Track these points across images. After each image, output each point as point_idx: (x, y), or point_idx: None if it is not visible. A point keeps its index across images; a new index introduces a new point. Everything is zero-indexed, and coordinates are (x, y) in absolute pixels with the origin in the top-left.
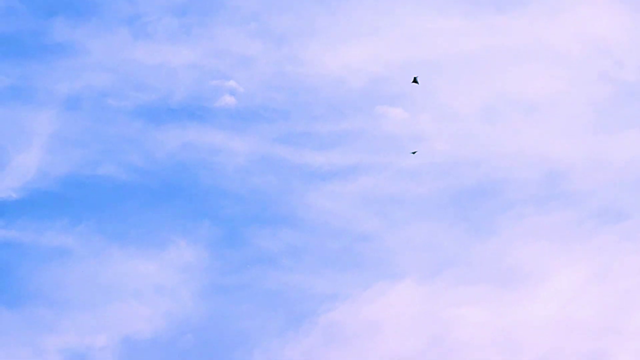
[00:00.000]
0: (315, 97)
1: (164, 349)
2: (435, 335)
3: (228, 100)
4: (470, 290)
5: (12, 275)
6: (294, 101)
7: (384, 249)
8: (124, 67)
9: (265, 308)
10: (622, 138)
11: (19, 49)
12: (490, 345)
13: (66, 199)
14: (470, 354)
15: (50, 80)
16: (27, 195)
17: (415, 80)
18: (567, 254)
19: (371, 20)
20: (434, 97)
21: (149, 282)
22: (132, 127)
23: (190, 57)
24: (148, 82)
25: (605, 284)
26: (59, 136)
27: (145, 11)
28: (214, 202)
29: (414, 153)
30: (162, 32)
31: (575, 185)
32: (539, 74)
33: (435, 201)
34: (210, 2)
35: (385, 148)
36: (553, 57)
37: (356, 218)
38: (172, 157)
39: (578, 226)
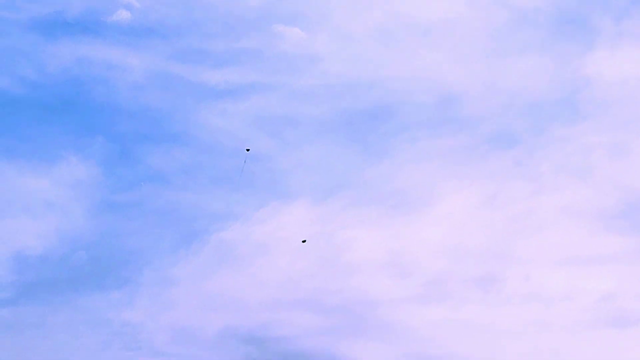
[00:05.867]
0: (211, 14)
1: (56, 264)
2: (327, 256)
3: (123, 15)
4: (362, 213)
5: None
6: (190, 18)
7: (277, 170)
8: None
9: (157, 226)
10: (516, 64)
11: None
12: (381, 267)
13: None
14: (361, 276)
15: None
16: None
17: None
18: (459, 178)
19: None
20: (330, 18)
21: (39, 197)
22: (26, 40)
23: None
24: None
25: (495, 208)
26: None
27: None
28: (107, 118)
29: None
30: None
31: (469, 109)
32: None
33: (329, 123)
34: None
35: (281, 68)
36: None
37: (250, 138)
38: (66, 71)
39: (470, 151)
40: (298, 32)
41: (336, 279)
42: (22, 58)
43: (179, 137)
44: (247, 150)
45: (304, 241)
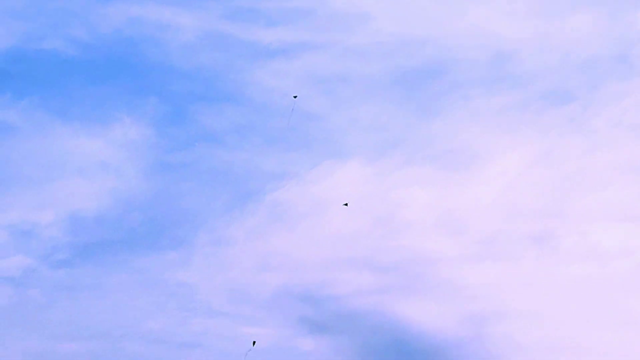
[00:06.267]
0: None
1: (111, 225)
2: (382, 215)
3: None
4: (416, 171)
5: None
6: None
7: (330, 129)
8: None
9: (211, 186)
10: (570, 19)
11: None
12: (435, 226)
13: (9, 74)
14: (415, 234)
15: None
16: None
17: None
18: (513, 136)
19: None
20: None
21: (93, 159)
22: (77, 0)
23: None
24: None
25: (550, 165)
26: (1, 9)
27: None
28: (159, 78)
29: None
30: None
31: (523, 66)
32: None
33: (381, 81)
34: None
35: (333, 26)
36: None
37: (303, 97)
38: (118, 32)
39: (524, 108)
40: None
41: (390, 237)
42: (73, 19)
43: (232, 96)
44: (295, 97)
45: (345, 204)
